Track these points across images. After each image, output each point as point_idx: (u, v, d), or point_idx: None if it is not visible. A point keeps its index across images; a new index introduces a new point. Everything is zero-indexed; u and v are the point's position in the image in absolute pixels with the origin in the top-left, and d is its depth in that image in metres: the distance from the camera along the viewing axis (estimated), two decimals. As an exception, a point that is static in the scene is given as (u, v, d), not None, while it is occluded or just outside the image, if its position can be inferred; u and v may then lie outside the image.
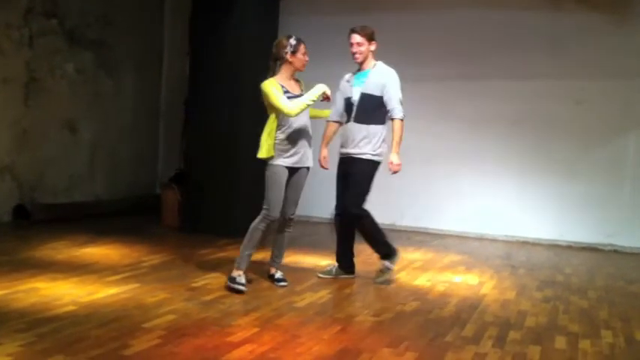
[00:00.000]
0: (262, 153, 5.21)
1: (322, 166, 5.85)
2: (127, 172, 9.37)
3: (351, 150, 5.63)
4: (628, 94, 8.17)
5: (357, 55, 5.62)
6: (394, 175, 5.65)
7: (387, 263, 5.81)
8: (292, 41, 5.19)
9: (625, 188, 8.21)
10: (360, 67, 5.72)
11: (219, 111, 7.56)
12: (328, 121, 5.85)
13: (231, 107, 7.53)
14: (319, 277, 5.84)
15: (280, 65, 5.26)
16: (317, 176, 5.99)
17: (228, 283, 5.19)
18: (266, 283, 5.51)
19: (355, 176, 5.61)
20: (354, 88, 5.66)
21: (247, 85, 7.49)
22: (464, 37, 8.73)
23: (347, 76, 5.80)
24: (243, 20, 7.58)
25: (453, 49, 8.75)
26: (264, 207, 5.24)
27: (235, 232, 7.43)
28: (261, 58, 7.70)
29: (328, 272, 5.91)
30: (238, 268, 5.23)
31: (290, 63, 5.21)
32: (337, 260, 5.96)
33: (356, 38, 5.58)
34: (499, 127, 8.68)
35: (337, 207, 5.78)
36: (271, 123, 5.21)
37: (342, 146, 5.74)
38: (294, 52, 5.18)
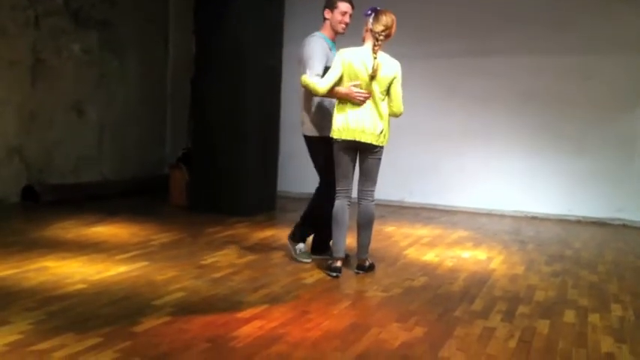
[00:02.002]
0: (386, 140, 5.07)
1: None
2: (134, 152, 9.38)
3: None
4: (637, 69, 8.08)
5: (346, 27, 5.32)
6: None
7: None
8: None
9: (634, 163, 8.16)
10: (330, 38, 5.34)
11: (225, 90, 7.54)
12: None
13: (238, 86, 7.50)
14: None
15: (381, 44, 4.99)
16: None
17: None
18: (274, 260, 5.52)
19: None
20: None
21: (253, 64, 7.49)
22: (472, 13, 8.66)
23: (324, 40, 5.30)
24: (248, -2, 7.55)
25: (461, 26, 8.68)
26: (374, 189, 5.18)
27: (244, 210, 7.49)
28: (266, 36, 7.76)
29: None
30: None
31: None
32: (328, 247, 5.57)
33: (350, 9, 5.30)
34: (508, 103, 8.63)
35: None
36: (386, 108, 5.02)
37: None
38: None
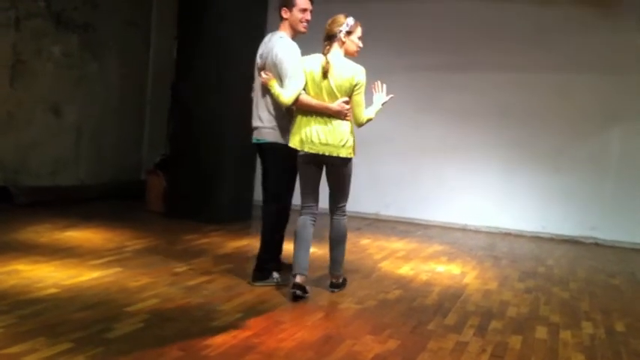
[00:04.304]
0: (353, 152, 4.78)
1: None
2: (111, 156, 9.31)
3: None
4: (613, 89, 8.18)
5: (307, 25, 4.93)
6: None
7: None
8: (350, 20, 4.70)
9: (607, 182, 8.26)
10: (291, 38, 4.92)
11: (206, 96, 7.53)
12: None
13: (219, 92, 7.49)
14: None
15: (331, 45, 4.70)
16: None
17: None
18: (249, 269, 5.50)
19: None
20: None
21: (235, 70, 7.48)
22: (451, 29, 8.72)
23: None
24: (231, 4, 7.55)
25: (440, 41, 8.74)
26: (345, 204, 4.94)
27: (220, 218, 7.47)
28: (248, 42, 7.72)
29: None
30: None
31: (343, 44, 4.71)
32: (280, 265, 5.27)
33: (309, 5, 4.90)
34: (484, 118, 8.70)
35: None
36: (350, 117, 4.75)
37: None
38: (349, 33, 4.69)
